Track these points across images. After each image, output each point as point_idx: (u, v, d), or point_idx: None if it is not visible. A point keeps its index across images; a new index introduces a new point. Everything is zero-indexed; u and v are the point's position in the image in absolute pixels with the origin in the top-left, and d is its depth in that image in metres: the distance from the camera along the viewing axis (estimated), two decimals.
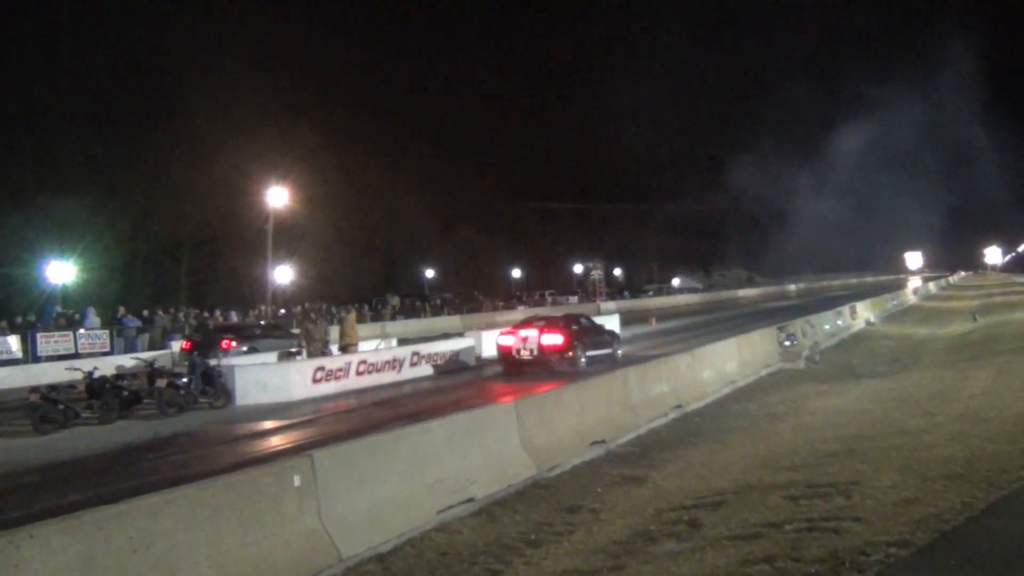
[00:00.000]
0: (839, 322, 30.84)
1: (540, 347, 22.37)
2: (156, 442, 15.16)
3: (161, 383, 18.22)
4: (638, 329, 39.64)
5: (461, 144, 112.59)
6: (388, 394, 21.00)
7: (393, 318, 49.71)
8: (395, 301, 54.28)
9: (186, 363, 19.85)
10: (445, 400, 19.32)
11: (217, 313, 40.29)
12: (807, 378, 19.53)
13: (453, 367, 25.59)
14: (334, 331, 26.38)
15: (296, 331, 27.75)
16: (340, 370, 21.69)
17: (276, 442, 14.79)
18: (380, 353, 23.83)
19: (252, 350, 27.16)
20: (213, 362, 20.12)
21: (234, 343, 27.37)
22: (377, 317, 48.47)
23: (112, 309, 34.63)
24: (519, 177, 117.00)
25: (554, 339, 22.40)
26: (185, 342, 28.53)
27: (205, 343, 26.61)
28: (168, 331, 33.10)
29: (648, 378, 15.10)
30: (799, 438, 12.70)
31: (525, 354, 22.52)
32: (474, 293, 71.72)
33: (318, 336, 23.75)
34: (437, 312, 56.34)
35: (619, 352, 25.34)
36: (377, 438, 9.22)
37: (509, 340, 23.00)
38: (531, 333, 22.73)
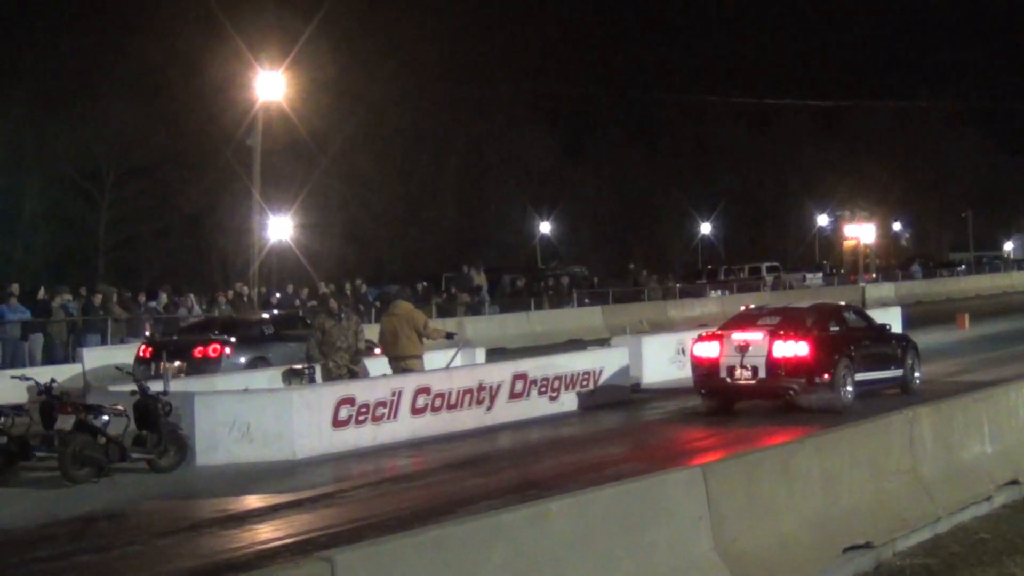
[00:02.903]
0: None
1: (771, 363, 22.70)
2: (51, 530, 15.39)
3: (64, 424, 18.57)
4: (937, 335, 38.91)
5: None
6: (471, 449, 20.97)
7: (477, 311, 49.83)
8: (480, 279, 54.45)
9: (133, 384, 20.28)
10: (574, 462, 19.16)
11: (161, 295, 41.15)
12: None
13: (590, 401, 25.59)
14: (372, 332, 26.56)
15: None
16: (382, 404, 21.81)
17: (265, 534, 14.93)
18: (454, 375, 23.88)
19: (257, 362, 27.81)
20: (156, 387, 20.45)
21: (227, 350, 27.99)
22: (449, 309, 48.67)
23: None
24: (710, 55, 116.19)
25: (797, 349, 22.66)
26: (143, 348, 29.37)
27: (160, 350, 27.39)
28: (79, 327, 33.90)
29: (955, 428, 14.80)
30: None
31: (743, 375, 22.97)
32: (628, 267, 71.66)
33: (343, 342, 23.91)
34: (559, 300, 56.30)
35: (917, 375, 25.57)
36: (443, 531, 9.18)
37: (712, 350, 23.42)
38: (754, 338, 23.09)
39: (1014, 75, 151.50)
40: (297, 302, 42.39)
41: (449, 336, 25.52)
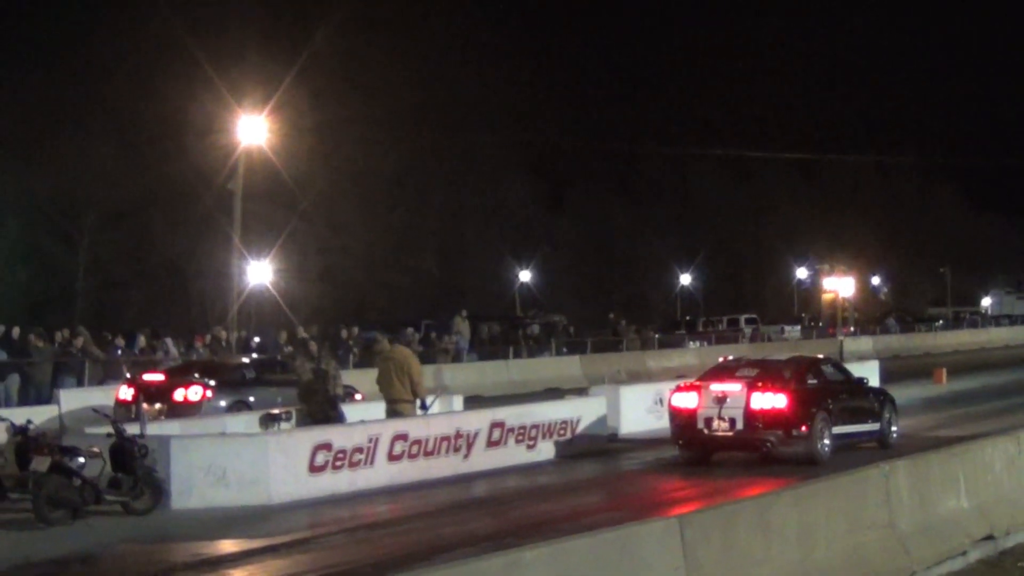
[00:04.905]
0: None
1: (748, 414, 22.68)
2: (24, 572, 15.38)
3: (40, 465, 18.50)
4: (914, 389, 38.96)
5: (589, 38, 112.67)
6: (447, 496, 20.96)
7: (456, 358, 49.78)
8: (462, 327, 54.44)
9: (109, 427, 20.19)
10: (550, 511, 19.18)
11: (139, 338, 41.08)
12: None
13: (567, 450, 25.58)
14: (353, 377, 26.55)
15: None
16: (359, 450, 21.75)
17: None
18: (432, 423, 23.83)
19: (238, 406, 27.73)
20: (133, 429, 20.39)
21: (208, 393, 27.96)
22: (429, 356, 48.57)
23: None
24: (691, 108, 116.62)
25: (775, 401, 22.67)
26: (127, 387, 29.16)
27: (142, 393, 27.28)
28: (57, 369, 33.81)
29: (931, 483, 14.84)
30: None
31: (720, 426, 22.90)
32: (608, 317, 71.69)
33: (321, 385, 23.90)
34: (538, 348, 56.27)
35: (894, 429, 25.65)
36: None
37: (691, 400, 23.39)
38: (732, 389, 23.08)
39: (992, 133, 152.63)
40: (277, 346, 42.34)
41: (424, 408, 25.13)
